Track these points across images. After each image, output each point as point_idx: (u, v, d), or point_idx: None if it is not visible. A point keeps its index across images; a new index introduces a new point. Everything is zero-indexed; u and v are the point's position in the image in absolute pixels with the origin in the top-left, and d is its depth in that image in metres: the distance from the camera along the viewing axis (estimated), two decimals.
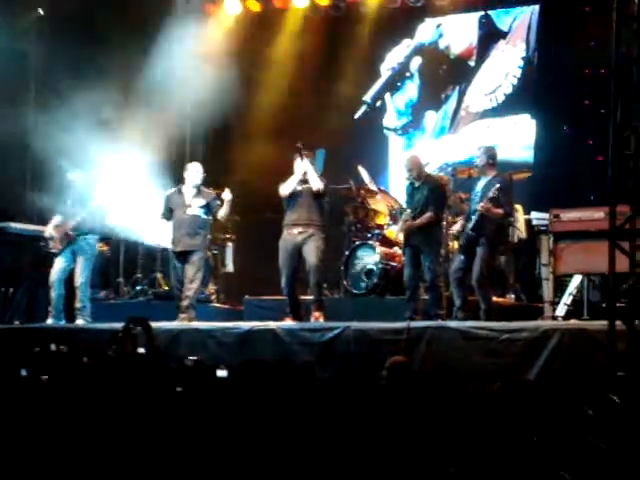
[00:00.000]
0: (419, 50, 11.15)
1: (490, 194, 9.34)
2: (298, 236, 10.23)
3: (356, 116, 11.47)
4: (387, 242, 11.45)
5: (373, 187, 12.11)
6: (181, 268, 10.59)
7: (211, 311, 12.28)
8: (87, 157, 11.30)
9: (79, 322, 10.68)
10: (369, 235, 11.73)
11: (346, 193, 12.35)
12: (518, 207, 11.21)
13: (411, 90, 11.15)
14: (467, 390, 5.77)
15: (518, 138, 11.76)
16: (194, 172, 10.77)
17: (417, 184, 10.22)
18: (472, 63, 10.91)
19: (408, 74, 11.20)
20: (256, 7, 13.47)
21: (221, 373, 5.96)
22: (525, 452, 3.90)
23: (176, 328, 9.71)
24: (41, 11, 13.09)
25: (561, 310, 9.72)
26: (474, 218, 9.54)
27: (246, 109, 13.43)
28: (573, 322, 9.13)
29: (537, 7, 11.17)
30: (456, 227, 10.10)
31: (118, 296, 12.73)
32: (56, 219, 10.92)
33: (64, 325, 10.69)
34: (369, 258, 11.50)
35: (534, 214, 10.26)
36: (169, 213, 10.78)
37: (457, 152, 10.77)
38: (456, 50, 11.07)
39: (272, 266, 10.42)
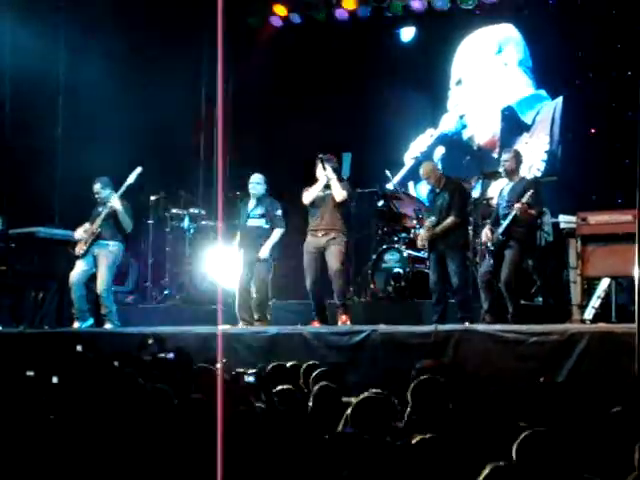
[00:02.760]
0: (442, 140, 11.32)
1: (525, 200, 9.32)
2: (321, 239, 10.26)
3: (379, 204, 11.54)
4: (414, 245, 11.45)
5: (399, 191, 12.17)
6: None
7: None
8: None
9: (107, 326, 10.74)
10: (396, 239, 11.74)
11: (372, 197, 12.41)
12: (545, 210, 11.20)
13: None
14: (494, 393, 5.78)
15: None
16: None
17: (438, 190, 10.25)
18: (495, 155, 10.84)
19: None
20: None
21: (249, 379, 5.98)
22: (552, 454, 3.90)
23: (204, 332, 9.75)
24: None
25: (589, 313, 9.68)
26: (504, 223, 9.53)
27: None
28: (601, 325, 9.09)
29: (560, 100, 11.26)
30: (483, 237, 9.98)
31: (146, 301, 12.80)
32: (86, 224, 11.02)
33: (93, 329, 10.75)
34: (396, 262, 11.52)
35: (562, 217, 10.23)
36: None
37: None
38: (480, 141, 11.17)
39: (298, 270, 10.47)
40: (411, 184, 11.97)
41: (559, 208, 10.75)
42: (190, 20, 14.12)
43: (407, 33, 11.61)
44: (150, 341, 8.72)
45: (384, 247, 11.81)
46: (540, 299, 11.01)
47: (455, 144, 11.32)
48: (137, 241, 12.91)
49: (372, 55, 12.51)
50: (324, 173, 10.33)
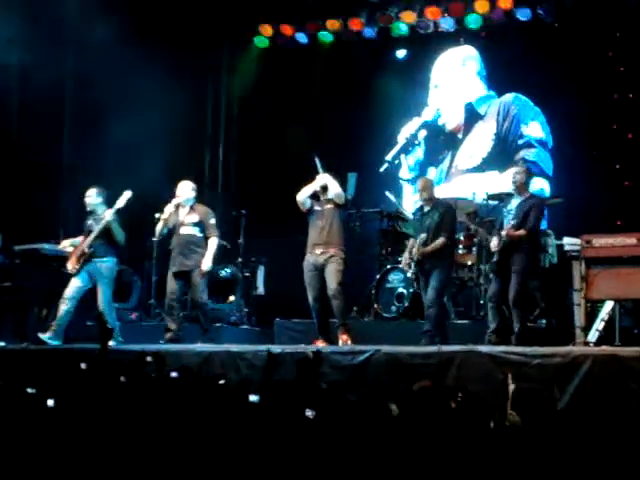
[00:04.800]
0: (425, 126, 15.00)
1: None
2: (319, 257, 10.25)
3: (381, 170, 14.89)
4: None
5: (402, 211, 12.25)
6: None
7: (242, 333, 12.34)
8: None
9: (110, 343, 10.68)
10: (400, 259, 11.75)
11: (376, 217, 12.45)
12: (550, 232, 11.22)
13: (419, 153, 15.05)
14: (496, 416, 5.76)
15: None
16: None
17: (426, 209, 10.32)
18: (460, 136, 14.84)
19: (417, 142, 15.01)
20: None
21: (253, 398, 5.96)
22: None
23: (207, 350, 9.74)
24: None
25: (593, 336, 9.67)
26: (504, 240, 9.62)
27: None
28: (605, 348, 9.07)
29: (506, 96, 14.54)
30: (493, 245, 10.04)
31: (149, 318, 12.80)
32: (75, 239, 11.02)
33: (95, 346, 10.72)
34: (400, 282, 11.53)
35: (566, 239, 10.25)
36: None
37: (450, 196, 13.30)
38: (450, 127, 14.96)
39: (303, 288, 10.46)
40: (403, 156, 15.03)
41: (564, 230, 10.79)
42: (196, 40, 14.22)
43: (400, 52, 14.99)
44: (148, 359, 8.69)
45: (388, 267, 11.82)
46: (544, 321, 11.02)
47: (433, 128, 14.99)
48: (141, 258, 12.94)
49: (373, 72, 14.79)
50: (321, 175, 10.34)
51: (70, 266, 10.88)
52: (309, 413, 5.33)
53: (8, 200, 12.76)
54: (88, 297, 11.04)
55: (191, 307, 11.41)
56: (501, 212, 10.15)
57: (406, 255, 10.45)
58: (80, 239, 11.02)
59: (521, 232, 9.62)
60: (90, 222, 11.00)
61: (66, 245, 11.09)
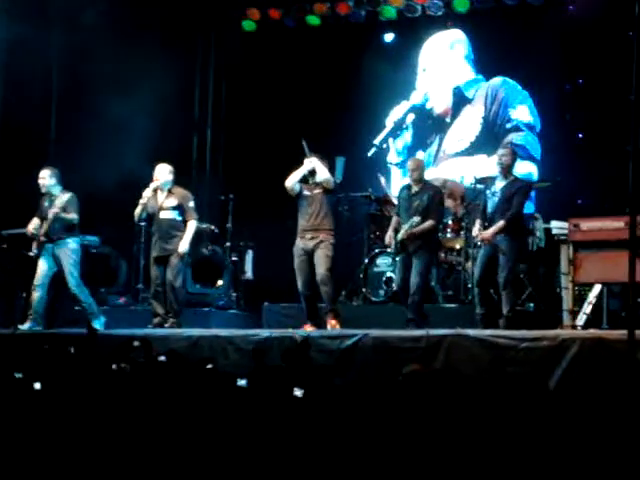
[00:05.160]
0: (412, 109, 14.97)
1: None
2: (309, 242, 10.23)
3: (369, 154, 14.90)
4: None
5: (391, 195, 12.23)
6: None
7: (231, 317, 12.34)
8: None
9: (94, 324, 10.66)
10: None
11: (364, 201, 12.45)
12: (537, 216, 11.24)
13: (407, 137, 15.03)
14: (483, 398, 5.76)
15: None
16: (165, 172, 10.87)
17: (415, 189, 10.26)
18: (448, 120, 14.84)
19: (405, 126, 14.99)
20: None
21: (241, 382, 5.96)
22: (540, 461, 3.90)
23: (196, 334, 9.74)
24: None
25: (580, 319, 9.71)
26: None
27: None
28: (592, 331, 9.11)
29: (493, 80, 14.49)
30: (475, 231, 10.09)
31: (138, 302, 12.78)
32: (35, 220, 10.96)
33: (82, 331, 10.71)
34: (388, 266, 11.54)
35: (554, 223, 10.27)
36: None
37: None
38: (438, 111, 14.95)
39: (292, 273, 10.46)
40: (391, 140, 15.02)
41: (551, 214, 10.80)
42: (184, 23, 14.18)
43: (388, 36, 15.01)
44: (136, 344, 8.68)
45: (376, 251, 11.83)
46: (531, 305, 11.04)
47: (421, 112, 14.97)
48: (129, 242, 12.91)
49: (360, 55, 14.77)
50: (308, 159, 10.32)
51: (33, 248, 10.84)
52: (298, 392, 5.34)
53: None
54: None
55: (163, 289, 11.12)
56: (485, 195, 10.14)
57: (390, 233, 10.37)
58: (37, 222, 10.93)
59: (500, 224, 9.65)
60: (46, 204, 10.91)
61: (30, 230, 10.96)
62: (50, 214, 10.70)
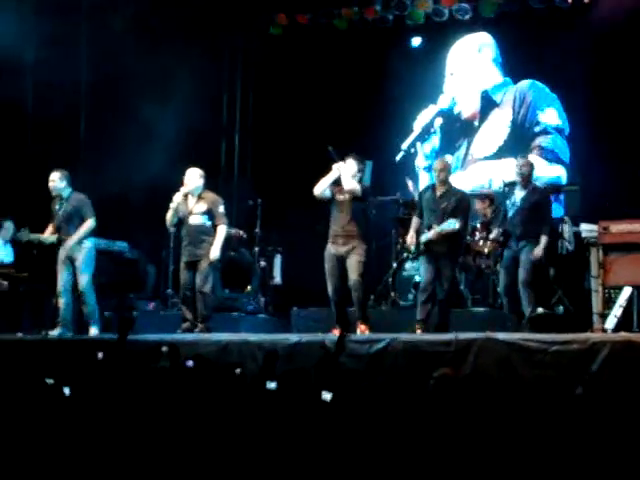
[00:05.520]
0: (440, 113, 15.07)
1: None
2: (341, 247, 10.16)
3: (397, 158, 15.03)
4: None
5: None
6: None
7: (259, 322, 12.36)
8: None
9: (92, 330, 10.66)
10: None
11: (393, 205, 12.44)
12: (566, 219, 11.20)
13: (435, 141, 15.11)
14: (514, 402, 5.75)
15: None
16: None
17: (441, 191, 10.21)
18: (476, 123, 14.95)
19: (433, 130, 15.10)
20: None
21: (271, 385, 5.96)
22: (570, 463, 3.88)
23: (225, 339, 9.74)
24: None
25: (611, 322, 9.64)
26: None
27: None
28: (623, 334, 9.04)
29: (521, 83, 14.60)
30: (493, 235, 10.07)
31: (167, 308, 12.81)
32: (49, 229, 10.95)
33: (110, 337, 10.73)
34: (417, 270, 11.50)
35: (583, 226, 10.22)
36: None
37: (466, 184, 13.56)
38: (465, 114, 15.05)
39: (320, 277, 10.42)
40: (419, 144, 15.12)
41: (581, 217, 10.76)
42: (212, 28, 14.24)
43: (416, 40, 15.08)
44: (164, 349, 8.69)
45: (404, 256, 11.80)
46: (561, 308, 10.98)
47: (449, 116, 15.06)
48: (158, 248, 12.95)
49: (388, 60, 14.70)
50: (336, 165, 10.27)
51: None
52: (327, 396, 5.33)
53: (22, 188, 12.73)
54: (106, 289, 11.03)
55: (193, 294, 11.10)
56: (505, 205, 10.10)
57: (412, 233, 10.31)
58: (52, 229, 10.92)
59: (544, 241, 9.74)
60: (57, 207, 10.90)
61: (49, 240, 10.96)
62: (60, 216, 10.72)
